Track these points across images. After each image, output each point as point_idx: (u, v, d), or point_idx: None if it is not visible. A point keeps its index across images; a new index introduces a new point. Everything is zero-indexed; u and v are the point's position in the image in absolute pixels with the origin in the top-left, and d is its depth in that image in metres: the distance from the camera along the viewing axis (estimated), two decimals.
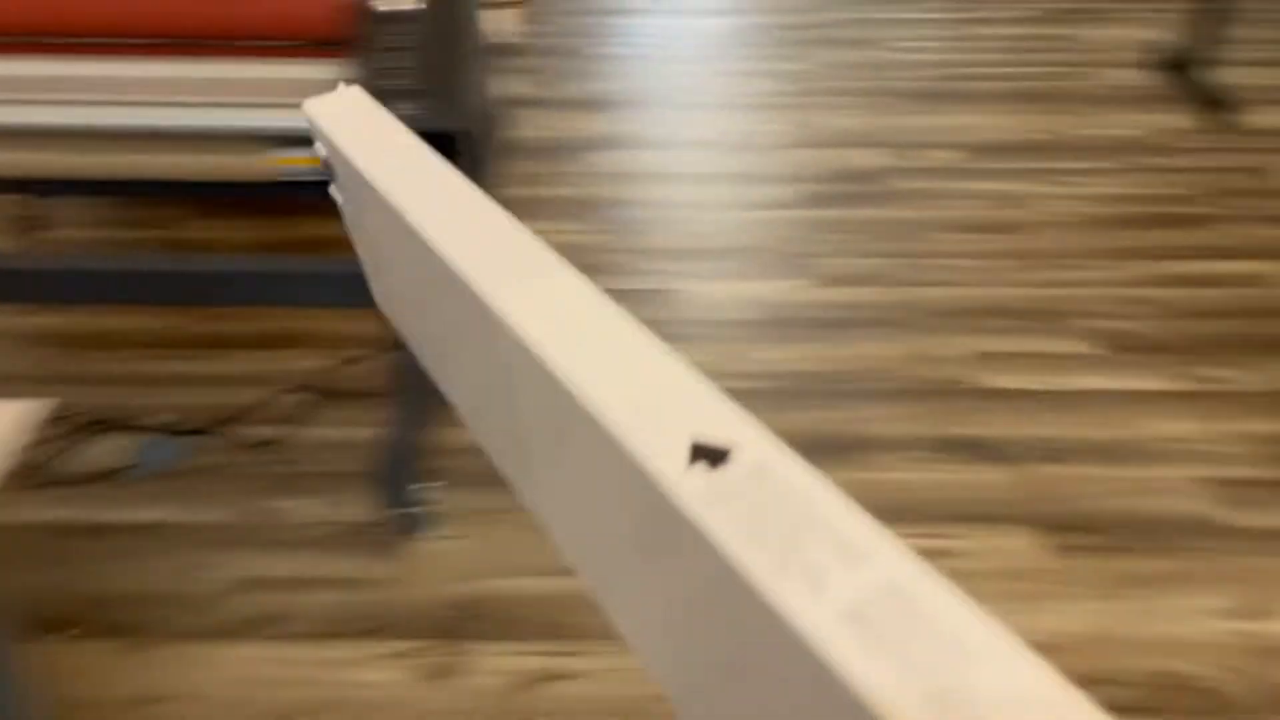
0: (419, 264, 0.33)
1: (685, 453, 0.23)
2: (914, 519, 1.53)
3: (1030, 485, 1.60)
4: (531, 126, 2.75)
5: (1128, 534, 1.51)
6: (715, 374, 1.81)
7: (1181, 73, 2.89)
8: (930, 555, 1.47)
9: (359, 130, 0.38)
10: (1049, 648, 1.34)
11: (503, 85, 2.88)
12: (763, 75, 3.06)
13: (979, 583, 1.43)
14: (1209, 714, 1.27)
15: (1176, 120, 2.76)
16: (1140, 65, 3.07)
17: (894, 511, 1.55)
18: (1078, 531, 1.51)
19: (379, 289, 0.45)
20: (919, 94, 2.91)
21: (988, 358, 1.87)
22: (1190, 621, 1.38)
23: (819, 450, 1.66)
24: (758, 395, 1.78)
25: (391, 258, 0.38)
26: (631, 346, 0.26)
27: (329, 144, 0.38)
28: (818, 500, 0.22)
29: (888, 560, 0.20)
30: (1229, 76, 2.91)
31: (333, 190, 0.41)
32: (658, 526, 0.23)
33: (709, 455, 0.23)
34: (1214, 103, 2.73)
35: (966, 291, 2.06)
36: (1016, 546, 1.49)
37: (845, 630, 0.19)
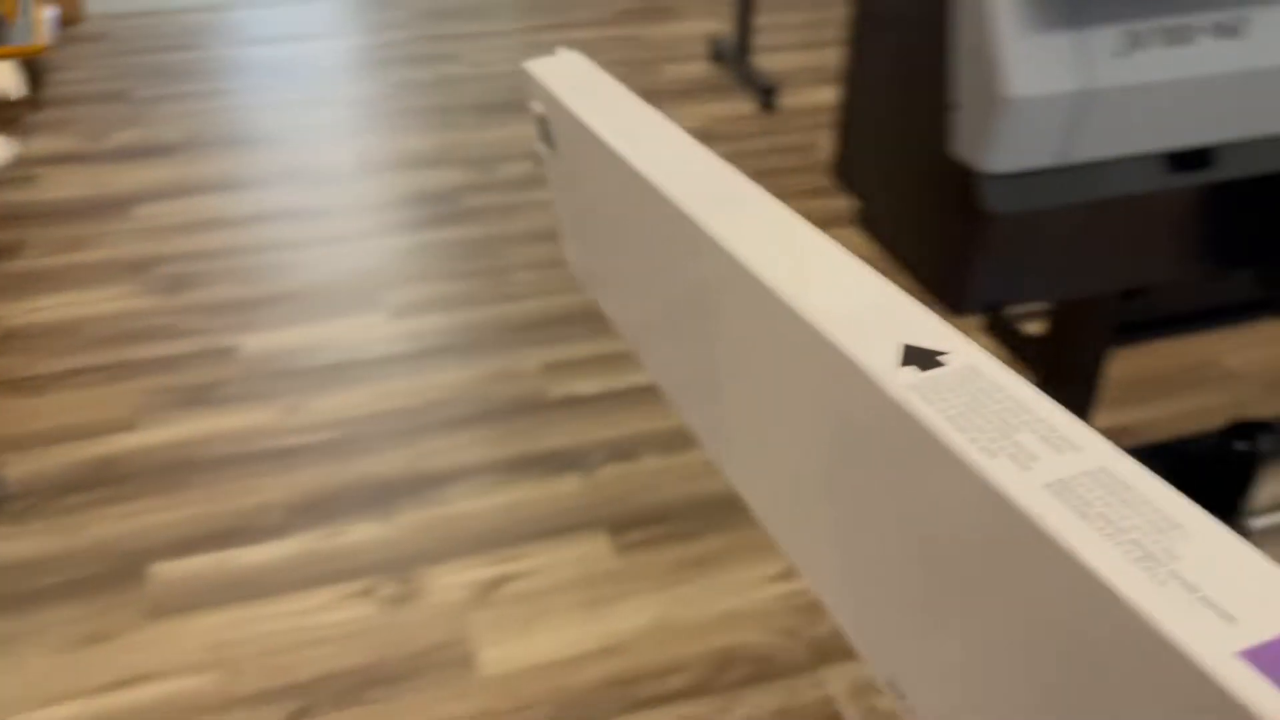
0: (632, 202, 0.36)
1: (898, 355, 0.24)
2: (483, 548, 1.51)
3: (600, 489, 1.62)
4: (66, 185, 2.49)
5: (689, 518, 1.57)
6: (270, 433, 1.72)
7: (737, 62, 3.09)
8: (498, 583, 1.45)
9: (578, 87, 0.41)
10: (610, 651, 1.36)
11: (15, 145, 2.59)
12: (331, 102, 2.95)
13: (548, 599, 1.43)
14: (764, 679, 1.33)
15: (736, 108, 2.94)
16: (705, 58, 3.25)
17: (463, 545, 1.52)
18: (641, 527, 1.55)
19: (573, 248, 0.48)
20: (492, 107, 2.92)
21: (559, 367, 1.89)
22: (745, 593, 1.45)
23: (384, 497, 1.60)
24: (314, 451, 1.69)
25: (601, 204, 0.40)
26: (839, 265, 0.28)
27: (549, 100, 0.42)
28: (1026, 399, 0.23)
29: (1097, 449, 0.21)
30: (771, 62, 3.14)
31: (538, 148, 0.45)
32: (866, 425, 0.24)
33: (920, 358, 0.24)
34: (763, 89, 2.93)
35: (540, 303, 2.07)
36: (584, 554, 1.50)
37: (1055, 499, 0.20)
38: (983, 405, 0.23)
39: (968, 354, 0.25)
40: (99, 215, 2.37)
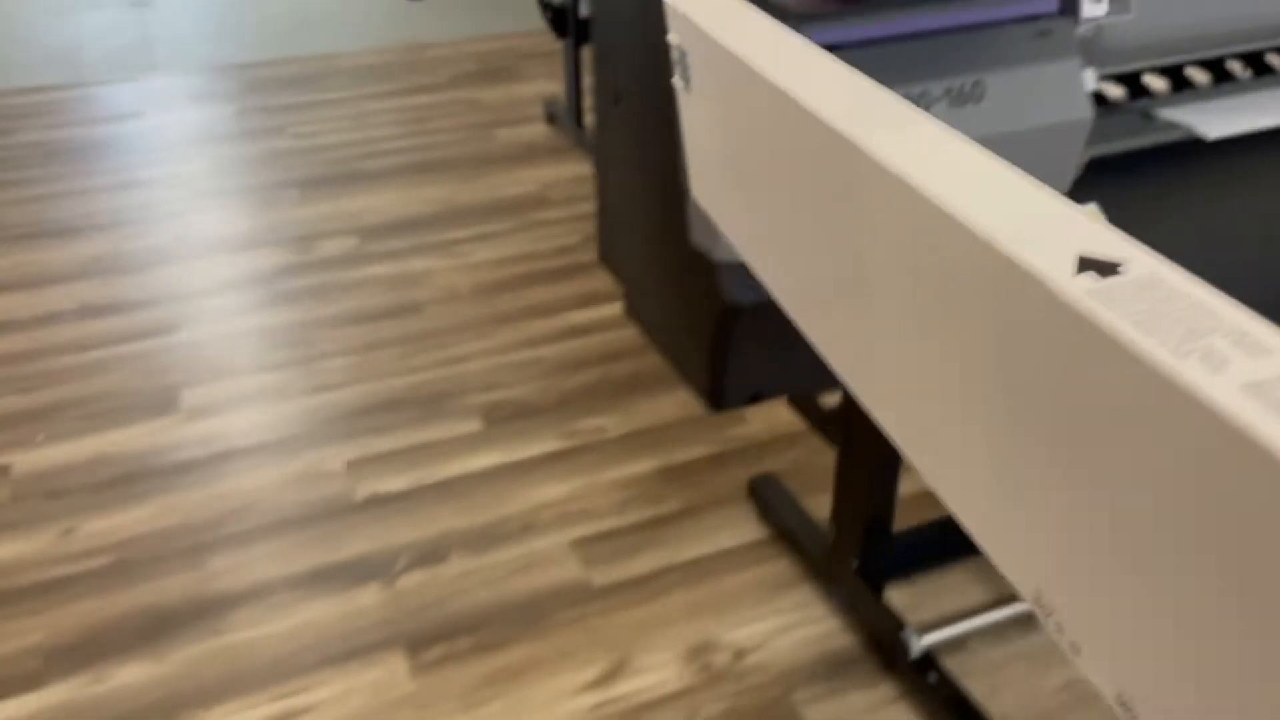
0: (783, 126, 0.36)
1: (1073, 264, 0.24)
2: (267, 681, 1.37)
3: (401, 600, 1.50)
4: None
5: (496, 625, 1.46)
6: (37, 564, 1.56)
7: (570, 124, 3.03)
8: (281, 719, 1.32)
9: (717, 15, 0.42)
10: None
11: None
12: (148, 183, 2.79)
13: None
14: None
15: (571, 170, 2.87)
16: (542, 120, 3.19)
17: (244, 679, 1.38)
18: (444, 640, 1.43)
19: (701, 184, 0.52)
20: (316, 181, 2.80)
21: (368, 463, 1.77)
22: (553, 707, 1.34)
23: (160, 630, 1.45)
24: (85, 581, 1.53)
25: (744, 131, 0.40)
26: (1007, 181, 0.28)
27: (687, 29, 0.44)
28: (1213, 305, 0.23)
29: None
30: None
31: (675, 82, 0.47)
32: (1038, 333, 0.24)
33: (1098, 266, 0.24)
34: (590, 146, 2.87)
35: (354, 392, 1.95)
36: (378, 679, 1.38)
37: (1251, 399, 0.19)
38: (1166, 310, 0.22)
39: (1148, 264, 0.24)
40: None
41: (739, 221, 0.47)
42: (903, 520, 1.49)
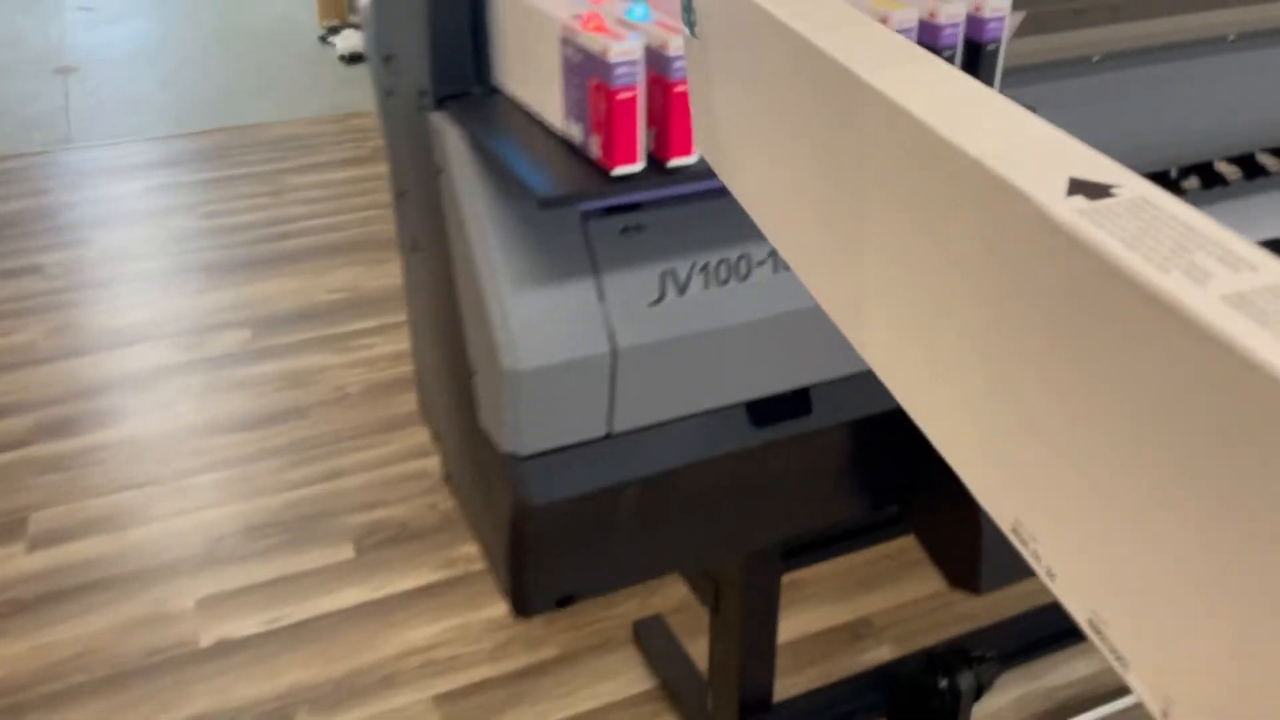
0: (783, 61, 0.38)
1: (1065, 186, 0.25)
2: None
3: None
4: None
5: None
6: None
7: None
8: None
9: None
10: None
11: None
12: (26, 272, 2.64)
13: None
14: None
15: None
16: None
17: None
18: None
19: (703, 133, 0.50)
20: (218, 266, 2.65)
21: (220, 601, 1.61)
22: None
23: None
24: None
25: (746, 72, 0.43)
26: (1002, 109, 0.29)
27: None
28: (1200, 224, 0.23)
29: (1274, 268, 0.22)
30: None
31: (684, 35, 0.48)
32: (1031, 258, 0.25)
33: (1088, 189, 0.25)
34: None
35: (218, 513, 1.79)
36: None
37: (1234, 310, 0.20)
38: (1155, 230, 0.23)
39: (1140, 187, 0.25)
40: None
41: (739, 172, 0.47)
42: (790, 663, 1.33)
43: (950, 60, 0.72)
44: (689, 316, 0.77)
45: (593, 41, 0.64)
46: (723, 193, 0.74)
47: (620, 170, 0.66)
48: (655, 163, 0.69)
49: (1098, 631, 0.25)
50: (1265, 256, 0.22)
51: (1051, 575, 0.27)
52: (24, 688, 1.46)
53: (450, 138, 0.76)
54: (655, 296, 0.77)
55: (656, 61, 0.66)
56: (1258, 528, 0.19)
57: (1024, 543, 0.28)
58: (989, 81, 0.76)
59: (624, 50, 0.62)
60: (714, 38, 0.46)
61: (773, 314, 0.80)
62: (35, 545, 1.73)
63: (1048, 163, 0.26)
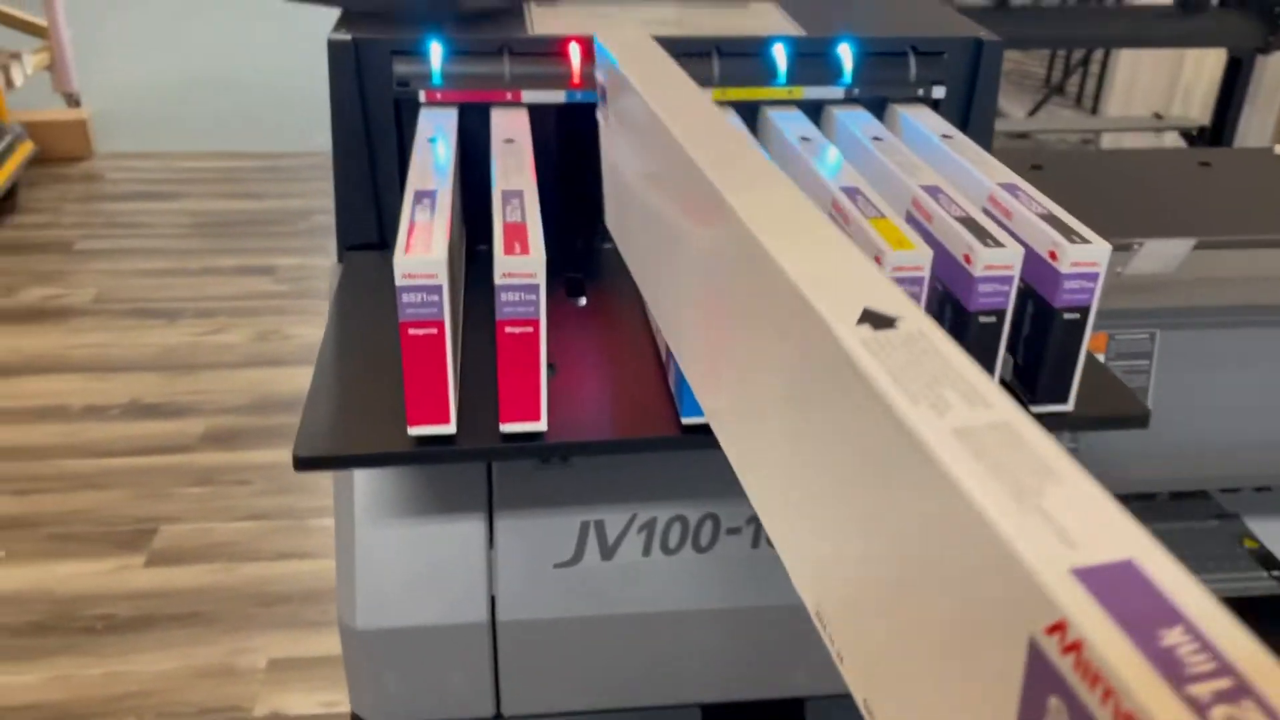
0: (666, 158, 0.43)
1: (857, 315, 0.29)
2: None
3: None
4: None
5: None
6: None
7: None
8: None
9: (635, 59, 0.49)
10: None
11: None
12: (252, 271, 2.75)
13: None
14: None
15: None
16: None
17: None
18: None
19: (611, 210, 0.56)
20: None
21: (294, 668, 1.53)
22: None
23: None
24: None
25: (640, 168, 0.48)
26: (831, 242, 0.34)
27: (608, 68, 0.52)
28: (958, 362, 0.28)
29: (1005, 407, 0.26)
30: None
31: (599, 113, 0.52)
32: (823, 366, 0.30)
33: (876, 320, 0.29)
34: None
35: (326, 566, 1.73)
36: None
37: (956, 441, 0.24)
38: (919, 364, 0.27)
39: (919, 321, 0.29)
40: None
41: (632, 249, 0.52)
42: None
43: (998, 323, 0.47)
44: (609, 590, 0.56)
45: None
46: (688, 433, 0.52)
47: (420, 430, 0.46)
48: (480, 423, 0.48)
49: (869, 713, 0.29)
50: (1001, 396, 0.26)
51: (840, 659, 0.31)
52: (78, 718, 1.44)
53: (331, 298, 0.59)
54: (568, 556, 0.56)
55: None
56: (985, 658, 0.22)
57: (823, 627, 0.32)
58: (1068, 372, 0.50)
59: (411, 267, 0.42)
60: (617, 125, 0.51)
61: (742, 605, 0.57)
62: (153, 561, 1.73)
63: (851, 295, 0.31)
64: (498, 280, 0.43)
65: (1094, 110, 3.90)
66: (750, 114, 0.64)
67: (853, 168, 0.53)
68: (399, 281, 0.41)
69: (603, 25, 0.51)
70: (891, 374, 0.26)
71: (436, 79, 0.60)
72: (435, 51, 0.60)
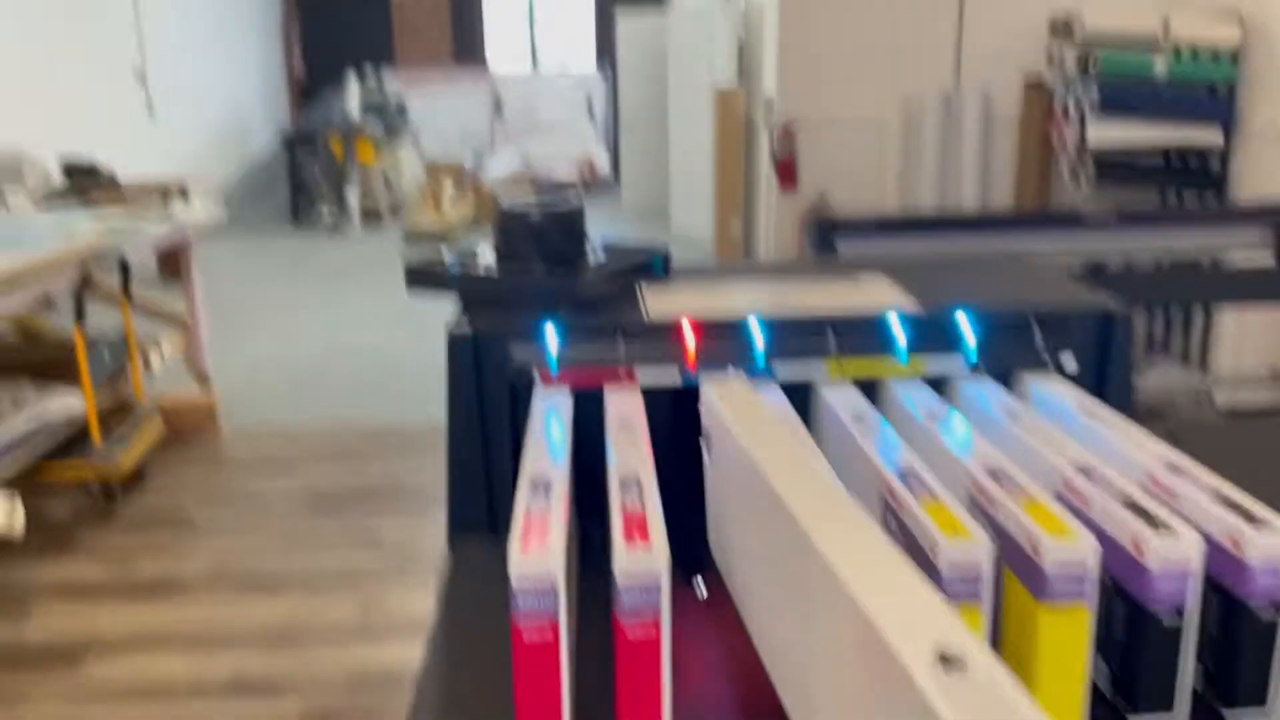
0: (765, 512, 0.46)
1: (933, 657, 0.32)
2: None
3: None
4: (50, 624, 2.38)
5: None
6: None
7: None
8: None
9: (738, 409, 0.54)
10: None
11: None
12: (358, 544, 2.76)
13: None
14: None
15: None
16: None
17: None
18: None
19: (713, 535, 0.59)
20: None
21: None
22: None
23: None
24: None
25: (738, 506, 0.52)
26: (909, 584, 0.37)
27: (712, 415, 0.57)
28: (1024, 709, 0.31)
29: None
30: None
31: (703, 445, 0.57)
32: (901, 710, 0.32)
33: (949, 661, 0.32)
34: None
35: None
36: None
37: None
38: (986, 709, 0.30)
39: (990, 667, 0.32)
40: (48, 666, 2.20)
41: (731, 572, 0.55)
42: None
43: (1180, 624, 0.41)
44: None
45: None
46: None
47: None
48: None
49: None
50: None
51: None
52: None
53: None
54: None
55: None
56: None
57: None
58: None
59: (527, 568, 0.39)
60: (720, 464, 0.55)
61: None
62: None
63: (923, 633, 0.33)
64: (618, 579, 0.40)
65: (1202, 365, 3.81)
66: (872, 388, 0.62)
67: (991, 445, 0.49)
68: (514, 583, 0.39)
69: (708, 377, 0.57)
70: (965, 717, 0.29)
71: (552, 362, 0.61)
72: (551, 336, 0.61)
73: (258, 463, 3.42)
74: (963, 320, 0.61)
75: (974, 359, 0.61)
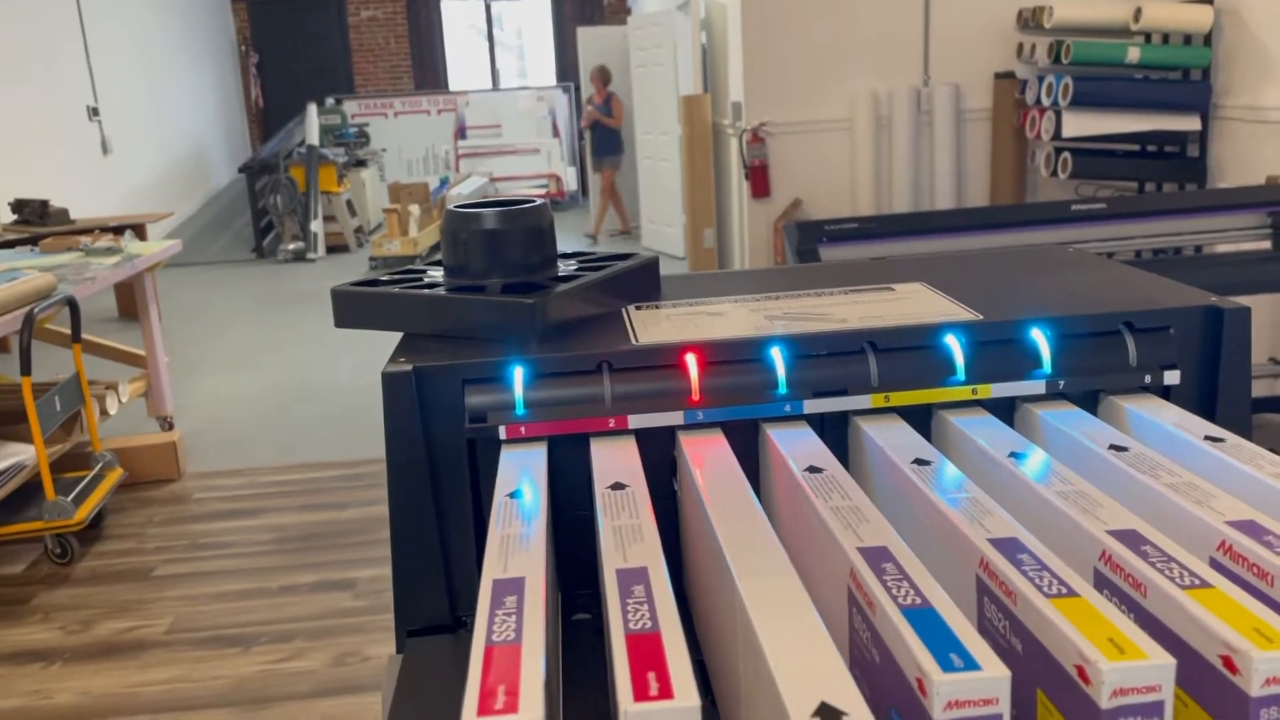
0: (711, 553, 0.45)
1: (814, 709, 0.33)
2: None
3: None
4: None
5: None
6: None
7: None
8: None
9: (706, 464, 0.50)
10: None
11: None
12: (330, 587, 2.60)
13: None
14: None
15: None
16: None
17: None
18: None
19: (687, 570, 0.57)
20: None
21: None
22: None
23: None
24: None
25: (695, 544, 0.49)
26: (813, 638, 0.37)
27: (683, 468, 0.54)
28: None
29: None
30: None
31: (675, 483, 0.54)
32: None
33: (828, 714, 0.32)
34: None
35: None
36: None
37: None
38: None
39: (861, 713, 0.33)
40: None
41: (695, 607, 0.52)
42: None
43: None
44: None
45: None
46: None
47: None
48: None
49: None
50: None
51: None
52: None
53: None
54: None
55: None
56: None
57: None
58: None
59: None
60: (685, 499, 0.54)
61: None
62: None
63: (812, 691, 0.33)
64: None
65: None
66: (921, 419, 0.49)
67: (1107, 496, 0.37)
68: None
69: (688, 438, 0.53)
70: None
71: (520, 410, 0.47)
72: (518, 376, 0.47)
73: (221, 505, 3.26)
74: (1037, 334, 0.48)
75: (1052, 377, 0.49)
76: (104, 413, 3.26)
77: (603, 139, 7.10)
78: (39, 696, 2.20)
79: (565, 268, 0.58)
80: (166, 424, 3.63)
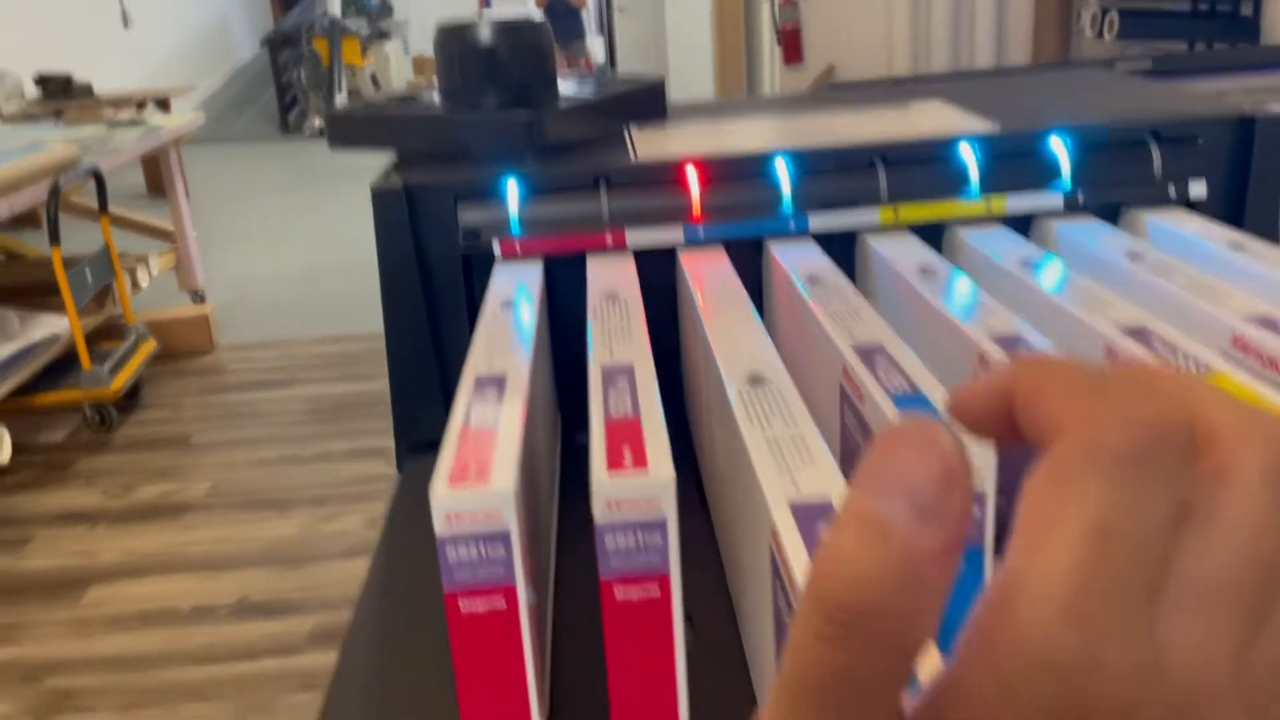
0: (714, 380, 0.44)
1: (745, 377, 0.39)
2: None
3: None
4: (49, 552, 2.30)
5: None
6: None
7: None
8: None
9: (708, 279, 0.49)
10: None
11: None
12: (366, 454, 2.65)
13: None
14: None
15: None
16: None
17: None
18: None
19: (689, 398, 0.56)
20: None
21: None
22: None
23: None
24: None
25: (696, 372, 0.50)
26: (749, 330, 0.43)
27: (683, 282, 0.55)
28: (801, 412, 0.38)
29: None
30: None
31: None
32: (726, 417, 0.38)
33: (755, 380, 0.38)
34: None
35: None
36: None
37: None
38: (775, 410, 0.35)
39: (785, 387, 0.37)
40: (49, 596, 2.12)
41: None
42: None
43: None
44: None
45: None
46: None
47: None
48: None
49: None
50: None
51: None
52: None
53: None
54: None
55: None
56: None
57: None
58: None
59: (458, 506, 0.26)
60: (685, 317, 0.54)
61: None
62: None
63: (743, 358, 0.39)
64: (597, 516, 0.26)
65: None
66: (934, 236, 0.47)
67: (1121, 299, 0.35)
68: (439, 529, 0.25)
69: (688, 254, 0.52)
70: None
71: (514, 226, 0.46)
72: (512, 191, 0.46)
73: (255, 377, 3.31)
74: (1056, 144, 0.45)
75: (1071, 191, 0.46)
76: (135, 286, 3.29)
77: (562, 20, 6.27)
78: (86, 556, 2.29)
79: (565, 90, 0.56)
80: (198, 297, 3.66)
